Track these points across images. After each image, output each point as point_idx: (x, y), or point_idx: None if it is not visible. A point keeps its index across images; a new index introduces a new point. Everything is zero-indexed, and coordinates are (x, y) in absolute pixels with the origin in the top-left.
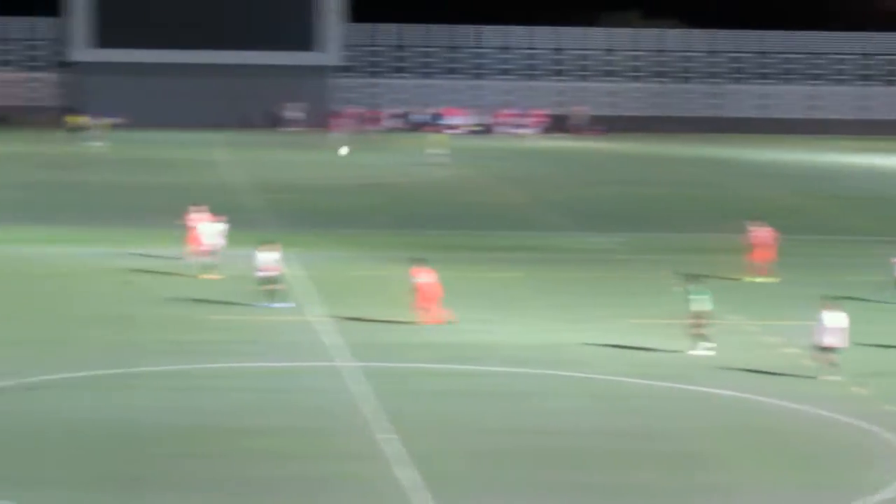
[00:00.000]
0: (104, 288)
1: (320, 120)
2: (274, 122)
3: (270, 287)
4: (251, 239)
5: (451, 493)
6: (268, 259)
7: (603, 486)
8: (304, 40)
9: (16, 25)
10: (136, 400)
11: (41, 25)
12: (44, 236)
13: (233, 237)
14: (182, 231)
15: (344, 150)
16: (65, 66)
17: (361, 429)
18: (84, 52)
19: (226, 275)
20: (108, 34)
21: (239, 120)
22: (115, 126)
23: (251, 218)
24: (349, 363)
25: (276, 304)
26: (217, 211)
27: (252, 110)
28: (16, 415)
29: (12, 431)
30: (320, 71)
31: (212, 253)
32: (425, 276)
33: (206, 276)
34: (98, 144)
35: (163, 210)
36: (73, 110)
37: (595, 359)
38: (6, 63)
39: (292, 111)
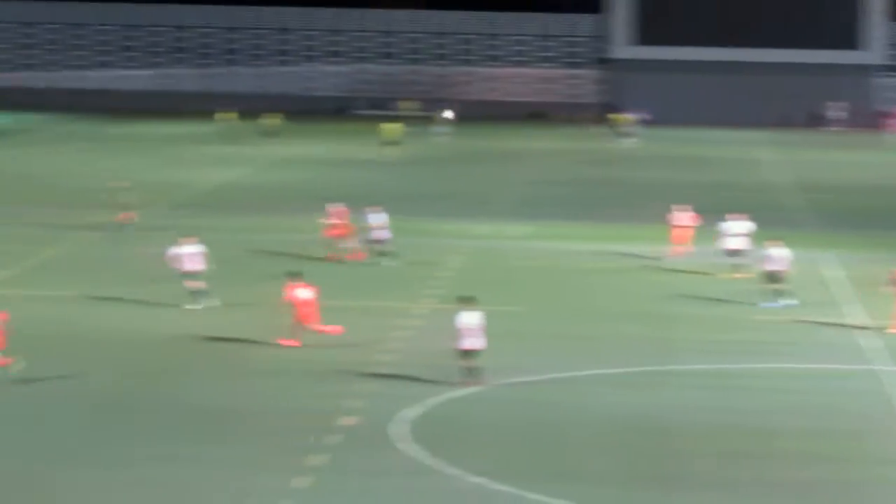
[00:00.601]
0: (638, 285)
1: (863, 120)
2: (815, 121)
3: (775, 285)
4: (787, 239)
5: None
6: (777, 255)
7: None
8: (847, 39)
9: (557, 22)
10: (668, 398)
11: (582, 23)
12: (581, 233)
13: (768, 236)
14: (667, 230)
15: (448, 114)
16: (604, 62)
17: None
18: (624, 49)
19: (755, 273)
20: (648, 31)
21: (778, 119)
22: (642, 122)
23: (790, 217)
24: (887, 367)
25: (778, 304)
26: (753, 210)
27: (793, 109)
28: (547, 409)
29: (545, 426)
30: (864, 70)
31: (738, 252)
32: None
33: (737, 276)
34: (632, 141)
35: (703, 209)
36: (614, 108)
37: None
38: (547, 59)
39: (835, 111)
